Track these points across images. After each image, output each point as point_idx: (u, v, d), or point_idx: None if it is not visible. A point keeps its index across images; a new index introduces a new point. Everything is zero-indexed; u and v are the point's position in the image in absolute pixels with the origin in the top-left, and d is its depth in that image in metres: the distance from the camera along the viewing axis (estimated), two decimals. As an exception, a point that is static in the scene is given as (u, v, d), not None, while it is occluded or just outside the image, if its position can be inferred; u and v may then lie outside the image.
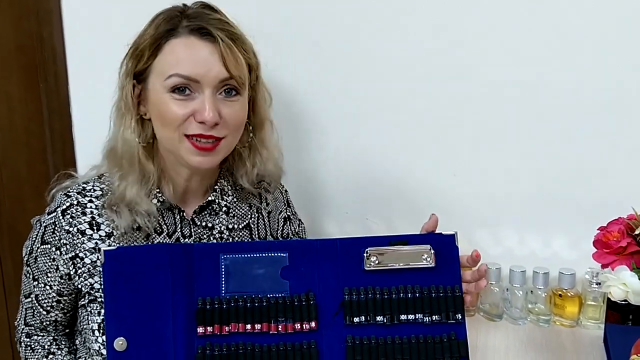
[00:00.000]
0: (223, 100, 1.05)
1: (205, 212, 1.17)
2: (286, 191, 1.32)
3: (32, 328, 1.19)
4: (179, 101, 1.04)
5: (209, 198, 1.16)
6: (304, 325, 1.01)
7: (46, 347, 1.19)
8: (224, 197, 1.18)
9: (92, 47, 1.46)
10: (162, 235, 1.13)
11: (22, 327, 1.20)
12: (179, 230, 1.14)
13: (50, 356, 1.18)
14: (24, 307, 1.18)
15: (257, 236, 1.22)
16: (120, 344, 0.98)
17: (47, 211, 1.13)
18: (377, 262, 1.02)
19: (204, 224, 1.16)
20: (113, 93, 1.12)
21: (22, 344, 1.20)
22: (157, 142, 1.12)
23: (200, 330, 1.00)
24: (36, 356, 1.18)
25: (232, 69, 1.03)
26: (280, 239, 1.28)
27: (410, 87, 1.37)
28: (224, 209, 1.17)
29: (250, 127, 1.16)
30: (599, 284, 1.30)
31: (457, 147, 1.39)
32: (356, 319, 1.01)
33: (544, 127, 1.34)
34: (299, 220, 1.34)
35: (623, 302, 1.16)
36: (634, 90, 1.28)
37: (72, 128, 1.53)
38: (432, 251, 1.02)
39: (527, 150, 1.36)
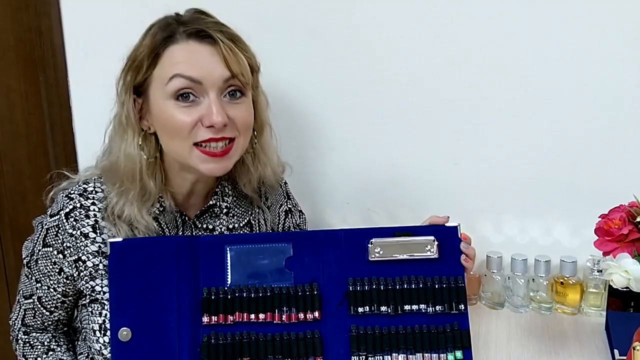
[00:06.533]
0: (228, 102, 1.04)
1: (207, 215, 1.16)
2: (286, 183, 1.32)
3: (31, 328, 1.19)
4: (184, 108, 1.02)
5: (210, 202, 1.15)
6: (307, 315, 1.02)
7: (45, 343, 1.18)
8: (225, 198, 1.17)
9: (90, 39, 1.45)
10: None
11: (19, 326, 1.19)
12: (180, 233, 1.14)
13: (50, 353, 1.17)
14: (23, 307, 1.17)
15: (257, 232, 1.22)
16: (124, 334, 0.99)
17: (49, 213, 1.11)
18: (381, 252, 1.02)
19: (204, 226, 1.16)
20: (111, 85, 1.10)
21: (20, 341, 1.19)
22: (162, 155, 1.10)
23: (205, 319, 1.00)
24: (36, 352, 1.18)
25: (235, 68, 1.02)
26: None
27: (410, 77, 1.37)
28: (225, 210, 1.17)
29: (255, 132, 1.14)
30: (600, 271, 1.31)
31: (458, 136, 1.39)
32: (360, 309, 1.02)
33: (544, 115, 1.34)
34: (300, 211, 1.34)
35: (624, 290, 1.17)
36: (634, 77, 1.28)
37: (72, 120, 1.52)
38: (436, 242, 1.03)
39: (528, 138, 1.36)
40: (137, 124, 1.07)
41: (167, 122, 1.03)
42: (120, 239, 1.02)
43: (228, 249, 1.02)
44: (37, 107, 1.52)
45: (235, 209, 1.19)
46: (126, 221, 1.07)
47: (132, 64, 1.05)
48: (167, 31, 1.03)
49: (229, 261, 1.02)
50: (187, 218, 1.15)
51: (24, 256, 1.17)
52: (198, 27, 1.02)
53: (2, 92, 1.52)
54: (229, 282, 1.02)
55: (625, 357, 1.10)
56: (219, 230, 1.16)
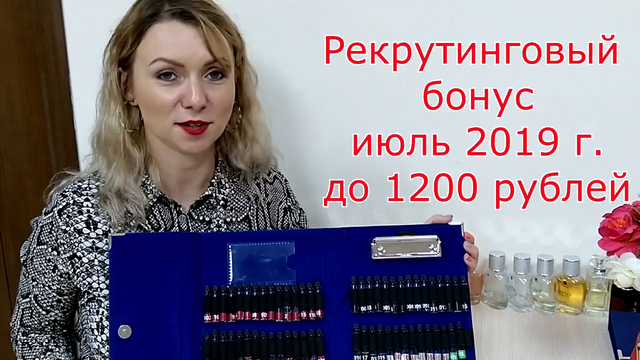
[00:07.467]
0: (209, 83, 1.05)
1: (203, 206, 1.15)
2: (286, 181, 1.31)
3: (29, 329, 1.18)
4: (165, 86, 1.03)
5: (206, 192, 1.14)
6: (310, 314, 1.01)
7: (44, 344, 1.18)
8: (221, 190, 1.16)
9: (92, 36, 1.42)
10: (160, 231, 1.12)
11: (18, 327, 1.19)
12: (176, 225, 1.13)
13: (49, 353, 1.17)
14: (21, 307, 1.17)
15: (256, 228, 1.21)
16: (124, 331, 0.98)
17: (43, 211, 1.12)
18: (384, 251, 1.02)
19: (201, 218, 1.15)
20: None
21: (19, 342, 1.19)
22: (144, 128, 1.11)
23: (207, 318, 1.00)
24: (34, 353, 1.17)
25: (216, 52, 1.03)
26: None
27: (411, 73, 1.36)
28: (222, 202, 1.16)
29: (239, 109, 1.15)
30: (604, 271, 1.30)
31: (461, 135, 1.38)
32: (363, 308, 1.01)
33: (545, 115, 1.33)
34: (300, 209, 1.33)
35: (628, 289, 1.17)
36: (634, 76, 1.28)
37: (74, 118, 1.52)
38: (439, 241, 1.02)
39: (528, 137, 1.35)
40: (120, 96, 1.08)
41: (149, 99, 1.04)
42: (122, 234, 1.02)
43: (230, 246, 1.02)
44: (38, 104, 1.52)
45: (234, 203, 1.19)
46: (117, 193, 1.07)
47: (117, 38, 1.06)
48: (153, 8, 1.03)
49: (230, 259, 1.02)
50: (182, 209, 1.14)
51: (21, 255, 1.17)
52: (182, 8, 1.02)
53: (3, 90, 1.51)
54: (230, 280, 1.02)
55: (628, 357, 1.10)
56: (216, 222, 1.16)
